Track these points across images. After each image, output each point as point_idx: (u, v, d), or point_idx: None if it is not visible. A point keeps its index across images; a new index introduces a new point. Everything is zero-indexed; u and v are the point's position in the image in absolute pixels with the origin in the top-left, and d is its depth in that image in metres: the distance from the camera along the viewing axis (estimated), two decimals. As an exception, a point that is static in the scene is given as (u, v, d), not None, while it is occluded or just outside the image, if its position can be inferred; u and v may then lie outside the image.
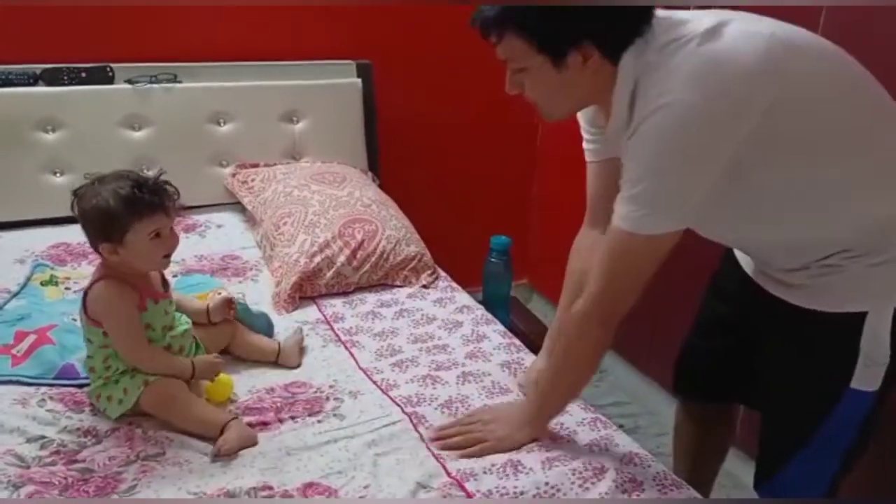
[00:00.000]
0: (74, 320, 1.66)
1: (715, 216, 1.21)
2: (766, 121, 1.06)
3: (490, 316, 1.83)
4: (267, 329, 1.68)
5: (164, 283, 1.47)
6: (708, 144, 1.07)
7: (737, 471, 2.20)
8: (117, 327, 1.37)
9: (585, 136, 1.41)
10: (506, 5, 1.12)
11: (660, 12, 1.15)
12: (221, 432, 1.32)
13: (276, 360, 1.59)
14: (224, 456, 1.28)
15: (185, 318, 1.50)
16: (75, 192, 1.37)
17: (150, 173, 1.41)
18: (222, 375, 1.45)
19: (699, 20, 1.11)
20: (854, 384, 1.20)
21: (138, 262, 1.38)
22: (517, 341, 1.71)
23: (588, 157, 1.43)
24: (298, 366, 1.59)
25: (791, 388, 1.29)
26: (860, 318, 1.17)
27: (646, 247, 1.14)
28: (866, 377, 1.19)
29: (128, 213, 1.32)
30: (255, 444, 1.32)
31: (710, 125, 1.06)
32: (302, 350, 1.63)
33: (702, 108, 1.05)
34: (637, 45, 1.11)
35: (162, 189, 1.37)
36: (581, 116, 1.39)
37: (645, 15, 1.12)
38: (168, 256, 1.41)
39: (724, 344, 1.50)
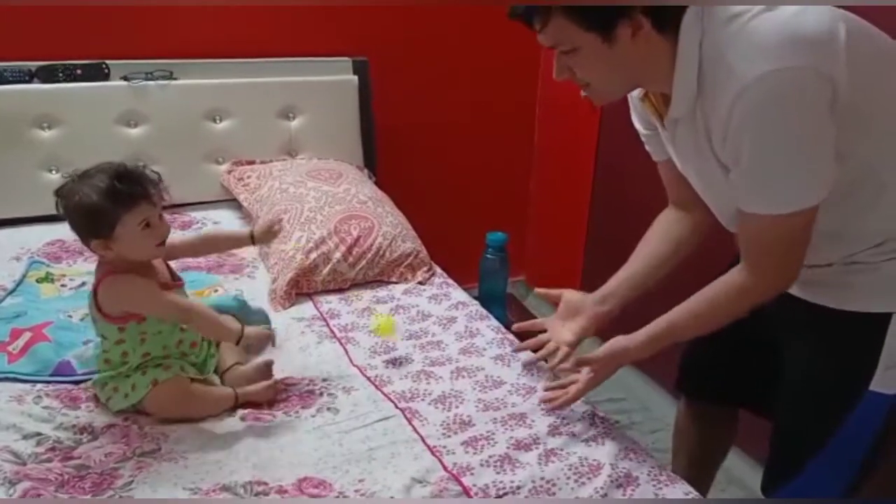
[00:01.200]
0: (70, 317, 1.67)
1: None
2: (851, 83, 1.02)
3: (484, 311, 1.83)
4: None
5: (172, 274, 1.47)
6: (822, 108, 1.02)
7: (731, 467, 2.21)
8: (151, 303, 1.35)
9: (644, 138, 1.41)
10: None
11: None
12: (236, 398, 1.41)
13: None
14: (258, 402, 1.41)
15: None
16: (58, 192, 1.34)
17: (133, 164, 1.38)
18: (383, 316, 1.49)
19: (746, 5, 1.07)
20: (874, 386, 1.16)
21: (132, 254, 1.36)
22: (510, 336, 1.71)
23: (654, 158, 1.43)
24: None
25: (808, 390, 1.26)
26: (885, 318, 1.15)
27: (794, 222, 1.09)
28: (887, 379, 1.16)
29: (112, 206, 1.30)
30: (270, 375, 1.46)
31: (819, 85, 1.01)
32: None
33: (807, 69, 1.00)
34: (694, 19, 1.08)
35: (143, 177, 1.35)
36: (636, 119, 1.39)
37: None
38: (162, 244, 1.39)
39: (736, 346, 1.45)
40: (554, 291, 1.59)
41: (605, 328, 1.50)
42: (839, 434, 1.21)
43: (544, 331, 1.57)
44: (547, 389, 1.45)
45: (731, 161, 1.11)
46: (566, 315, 1.54)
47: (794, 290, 1.24)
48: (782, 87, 1.01)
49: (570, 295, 1.55)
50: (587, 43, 1.10)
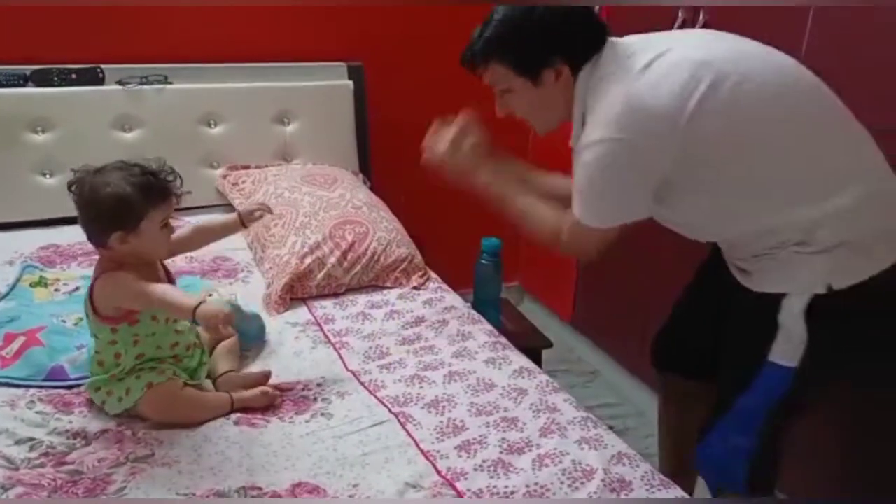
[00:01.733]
0: (64, 322, 1.67)
1: (684, 218, 1.42)
2: (686, 142, 1.26)
3: (476, 315, 1.84)
4: (259, 331, 1.68)
5: (168, 275, 1.48)
6: (635, 174, 1.30)
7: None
8: (132, 291, 1.34)
9: None
10: (489, 37, 1.39)
11: (619, 40, 1.37)
12: (232, 405, 1.40)
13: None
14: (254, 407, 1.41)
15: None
16: (75, 182, 1.34)
17: (152, 163, 1.39)
18: None
19: (644, 53, 1.31)
20: (772, 357, 1.31)
21: (149, 249, 1.38)
22: (503, 339, 1.72)
23: None
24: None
25: (727, 359, 1.45)
26: (782, 297, 1.30)
27: (595, 232, 1.38)
28: (784, 352, 1.31)
29: (144, 200, 1.32)
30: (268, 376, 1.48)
31: (635, 159, 1.28)
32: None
33: (627, 145, 1.27)
34: (587, 69, 1.36)
35: (170, 175, 1.38)
36: None
37: (600, 32, 1.36)
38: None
39: (698, 322, 1.63)
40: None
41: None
42: (743, 399, 1.37)
43: None
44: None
45: None
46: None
47: (734, 275, 1.43)
48: (602, 153, 1.29)
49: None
50: (519, 85, 1.41)
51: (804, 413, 1.40)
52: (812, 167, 1.29)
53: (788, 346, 1.30)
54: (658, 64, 1.28)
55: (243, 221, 1.61)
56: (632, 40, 1.38)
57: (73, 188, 1.35)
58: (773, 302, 1.31)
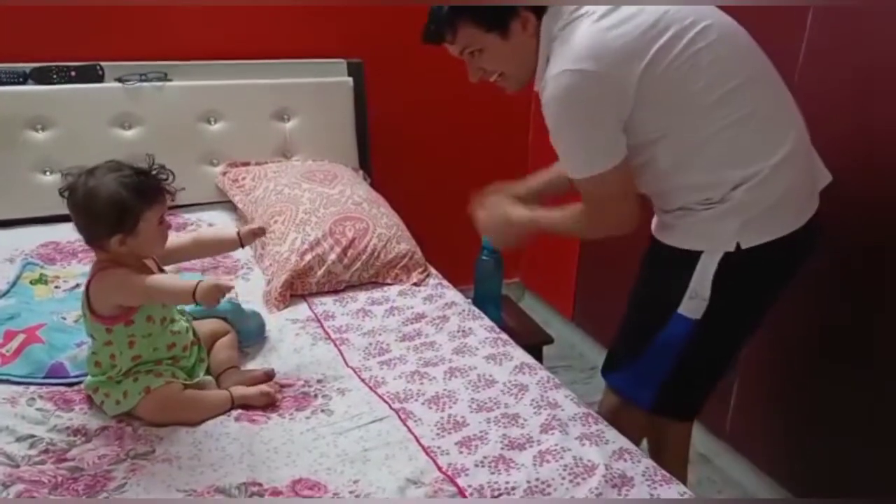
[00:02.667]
0: (64, 319, 1.67)
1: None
2: (641, 86, 1.33)
3: (477, 311, 1.83)
4: (259, 329, 1.68)
5: (161, 272, 1.48)
6: (603, 105, 1.34)
7: (727, 468, 2.22)
8: (126, 286, 1.34)
9: None
10: (452, 7, 1.44)
11: None
12: (232, 401, 1.41)
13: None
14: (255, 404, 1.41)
15: (184, 319, 1.50)
16: (67, 188, 1.34)
17: (143, 161, 1.39)
18: None
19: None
20: (680, 310, 1.44)
21: (147, 248, 1.39)
22: (503, 335, 1.72)
23: None
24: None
25: (639, 304, 1.58)
26: (697, 255, 1.42)
27: (603, 187, 1.40)
28: (691, 307, 1.44)
29: (140, 201, 1.32)
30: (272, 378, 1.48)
31: (601, 90, 1.33)
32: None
33: (592, 76, 1.31)
34: (550, 14, 1.40)
35: (161, 173, 1.38)
36: None
37: None
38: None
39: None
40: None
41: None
42: (653, 343, 1.50)
43: None
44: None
45: None
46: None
47: (653, 231, 1.54)
48: (566, 83, 1.32)
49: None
50: (489, 42, 1.44)
51: (717, 365, 1.56)
52: (754, 132, 1.37)
53: (694, 301, 1.43)
54: (624, 8, 1.35)
55: (241, 241, 1.62)
56: None
57: (65, 193, 1.34)
58: (689, 258, 1.42)
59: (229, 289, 1.36)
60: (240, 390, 1.43)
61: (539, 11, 1.41)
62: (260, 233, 1.67)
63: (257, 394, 1.43)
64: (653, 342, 1.51)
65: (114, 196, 1.30)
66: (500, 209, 1.67)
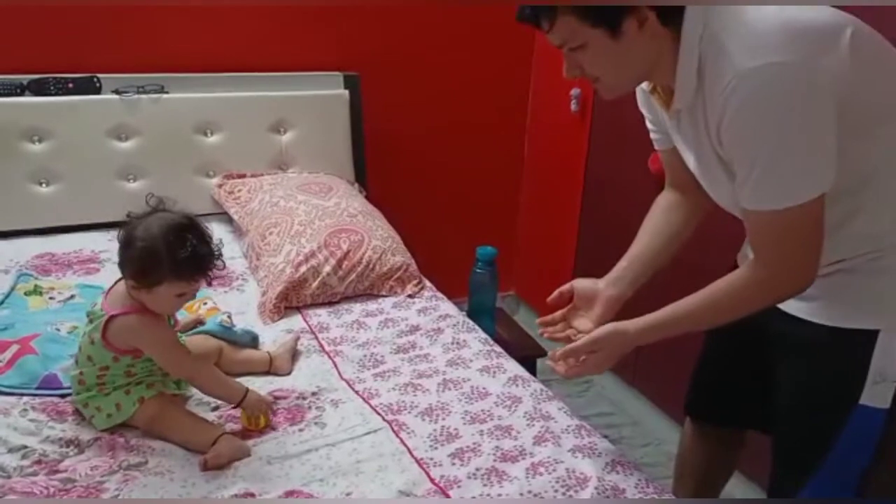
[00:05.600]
0: (58, 330, 1.66)
1: None
2: (852, 81, 1.04)
3: (471, 323, 1.84)
4: (251, 341, 1.67)
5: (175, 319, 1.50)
6: (821, 102, 1.03)
7: (732, 490, 2.20)
8: (167, 353, 1.36)
9: (650, 126, 1.42)
10: None
11: None
12: (214, 444, 1.32)
13: (269, 370, 1.59)
14: (212, 468, 1.28)
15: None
16: (133, 217, 1.33)
17: (216, 240, 1.37)
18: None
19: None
20: (864, 400, 1.17)
21: (152, 307, 1.35)
22: (497, 347, 1.72)
23: (656, 146, 1.43)
24: (289, 373, 1.59)
25: (802, 407, 1.26)
26: (872, 334, 1.15)
27: (800, 215, 1.07)
28: (875, 393, 1.16)
29: (171, 271, 1.29)
30: (247, 455, 1.32)
31: (817, 82, 1.02)
32: (296, 355, 1.64)
33: (805, 65, 1.01)
34: (698, 10, 1.09)
35: (212, 257, 1.35)
36: (643, 108, 1.39)
37: None
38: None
39: (740, 367, 1.46)
40: (565, 287, 1.51)
41: (621, 313, 1.44)
42: (835, 450, 1.21)
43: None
44: (552, 359, 1.36)
45: (728, 154, 1.12)
46: (582, 305, 1.49)
47: (784, 306, 1.24)
48: (778, 80, 1.01)
49: (581, 284, 1.49)
50: (595, 38, 1.12)
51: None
52: None
53: (880, 386, 1.15)
54: (792, 7, 1.07)
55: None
56: None
57: (129, 218, 1.34)
58: (860, 337, 1.15)
59: (271, 406, 1.41)
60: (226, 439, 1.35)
61: (662, 10, 1.10)
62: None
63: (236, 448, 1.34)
64: (833, 450, 1.21)
65: (150, 250, 1.28)
66: (616, 337, 1.27)
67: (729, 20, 1.08)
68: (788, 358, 1.28)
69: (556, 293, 1.52)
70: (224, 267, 1.41)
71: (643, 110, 1.41)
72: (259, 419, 1.39)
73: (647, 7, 1.08)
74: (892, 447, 1.21)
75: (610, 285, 1.44)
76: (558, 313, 1.50)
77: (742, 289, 1.17)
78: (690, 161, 1.28)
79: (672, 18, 1.11)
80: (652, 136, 1.43)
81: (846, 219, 1.14)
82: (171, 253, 1.29)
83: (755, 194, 1.09)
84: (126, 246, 1.33)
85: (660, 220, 1.46)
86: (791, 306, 1.24)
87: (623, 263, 1.46)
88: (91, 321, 1.39)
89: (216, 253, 1.36)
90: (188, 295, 1.36)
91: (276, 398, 1.49)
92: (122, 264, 1.34)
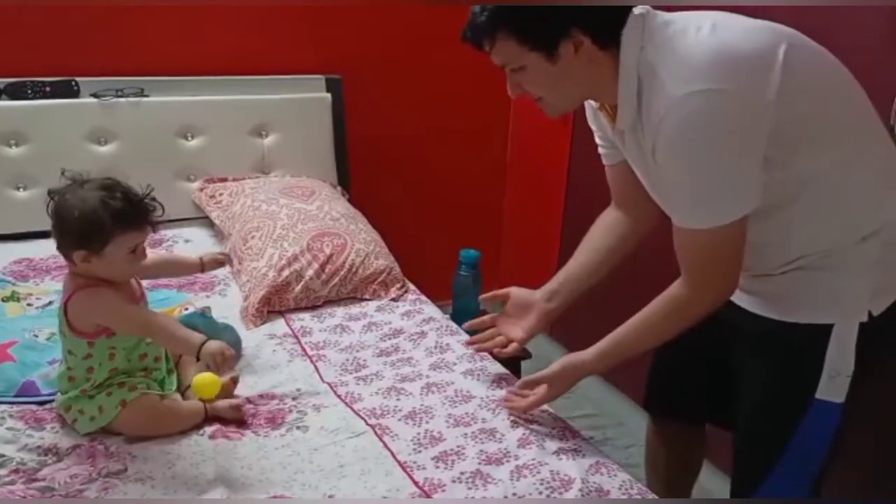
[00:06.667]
0: (36, 336, 1.64)
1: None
2: (783, 103, 1.08)
3: (455, 326, 1.83)
4: (234, 343, 1.66)
5: (141, 289, 1.46)
6: (747, 128, 1.08)
7: (705, 481, 2.22)
8: (116, 312, 1.34)
9: (599, 142, 1.46)
10: (494, 10, 1.17)
11: (654, 11, 1.18)
12: (206, 413, 1.39)
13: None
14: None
15: None
16: (56, 191, 1.33)
17: (136, 187, 1.37)
18: (208, 374, 1.39)
19: (690, 19, 1.15)
20: (819, 395, 1.20)
21: (110, 273, 1.35)
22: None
23: (604, 161, 1.48)
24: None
25: (761, 401, 1.29)
26: (827, 328, 1.18)
27: (725, 234, 1.13)
28: (831, 388, 1.19)
29: (114, 224, 1.30)
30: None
31: (738, 116, 1.07)
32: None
33: (732, 93, 1.06)
34: (634, 35, 1.14)
35: (148, 205, 1.35)
36: (594, 125, 1.43)
37: None
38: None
39: (696, 363, 1.49)
40: (501, 291, 1.63)
41: (553, 324, 1.57)
42: (793, 444, 1.24)
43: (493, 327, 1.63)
44: (509, 394, 1.47)
45: (664, 175, 1.18)
46: (515, 313, 1.59)
47: (742, 302, 1.28)
48: (706, 107, 1.06)
49: (517, 292, 1.61)
50: (533, 61, 1.18)
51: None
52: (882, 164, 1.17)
53: (835, 380, 1.18)
54: (730, 22, 1.13)
55: (203, 266, 1.64)
56: (670, 14, 1.19)
57: (51, 195, 1.34)
58: (815, 333, 1.18)
59: (232, 358, 1.37)
60: (213, 403, 1.42)
61: (598, 34, 1.15)
62: (224, 260, 1.68)
63: (227, 407, 1.41)
64: (792, 443, 1.25)
65: (89, 212, 1.29)
66: (575, 372, 1.36)
67: (661, 47, 1.12)
68: (745, 353, 1.31)
69: (489, 294, 1.65)
70: (164, 212, 1.39)
71: (592, 126, 1.45)
72: (211, 388, 1.38)
73: (581, 33, 1.14)
74: (848, 440, 1.24)
75: (546, 299, 1.56)
76: (487, 317, 1.62)
77: (668, 315, 1.24)
78: (639, 175, 1.33)
79: (608, 43, 1.16)
80: (600, 150, 1.48)
81: (792, 225, 1.18)
82: (108, 208, 1.29)
83: (683, 215, 1.16)
84: (62, 219, 1.31)
85: (598, 238, 1.54)
86: (746, 301, 1.28)
87: (560, 278, 1.56)
88: (59, 318, 1.38)
89: (150, 195, 1.36)
90: (138, 250, 1.35)
91: (258, 403, 1.48)
92: (64, 239, 1.33)
